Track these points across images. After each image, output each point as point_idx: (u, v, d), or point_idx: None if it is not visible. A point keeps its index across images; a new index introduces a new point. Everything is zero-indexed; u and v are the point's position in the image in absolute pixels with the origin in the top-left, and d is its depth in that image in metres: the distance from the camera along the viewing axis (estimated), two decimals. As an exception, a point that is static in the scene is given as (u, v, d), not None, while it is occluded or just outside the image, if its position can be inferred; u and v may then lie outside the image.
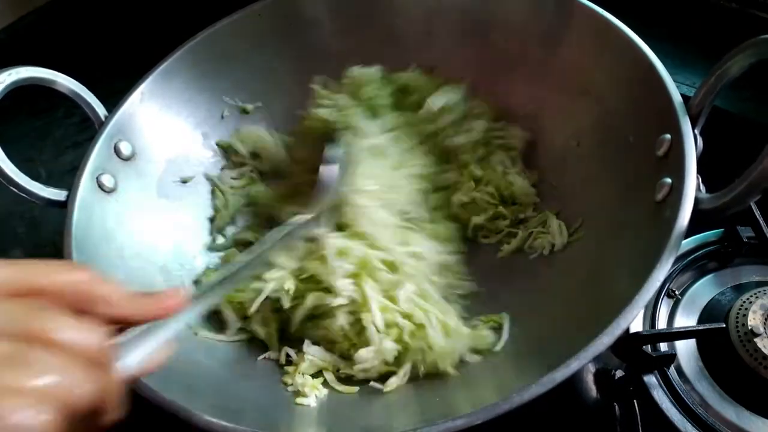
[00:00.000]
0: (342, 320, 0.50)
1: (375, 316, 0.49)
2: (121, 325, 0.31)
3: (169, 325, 0.33)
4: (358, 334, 0.50)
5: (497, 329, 0.52)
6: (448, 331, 0.50)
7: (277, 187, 0.66)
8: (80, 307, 0.28)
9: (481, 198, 0.61)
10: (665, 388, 0.48)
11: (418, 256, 0.55)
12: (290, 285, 0.51)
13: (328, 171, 0.57)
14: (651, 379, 0.49)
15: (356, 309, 0.50)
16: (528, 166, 0.63)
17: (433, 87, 0.64)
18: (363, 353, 0.49)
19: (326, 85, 0.65)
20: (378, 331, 0.49)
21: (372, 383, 0.50)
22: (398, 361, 0.50)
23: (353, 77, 0.63)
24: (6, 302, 0.26)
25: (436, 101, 0.62)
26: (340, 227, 0.55)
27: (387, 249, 0.53)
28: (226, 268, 0.44)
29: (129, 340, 0.31)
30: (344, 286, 0.50)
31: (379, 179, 0.57)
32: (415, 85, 0.65)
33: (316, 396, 0.49)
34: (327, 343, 0.52)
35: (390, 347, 0.49)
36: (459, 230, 0.61)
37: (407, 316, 0.50)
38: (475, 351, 0.50)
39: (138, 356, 0.31)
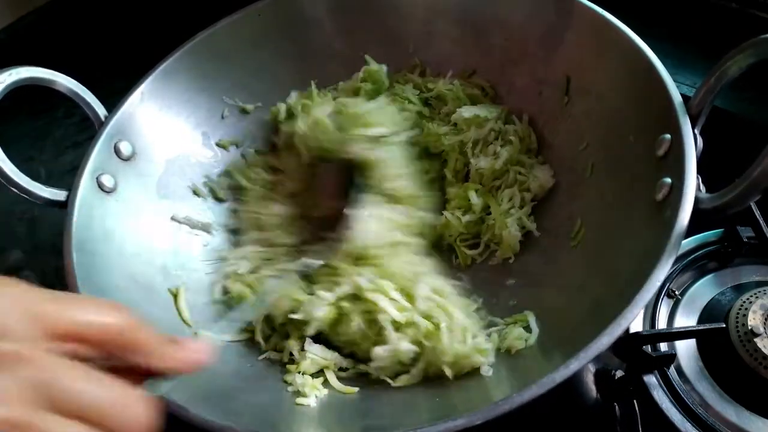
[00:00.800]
0: (357, 323, 0.50)
1: (390, 312, 0.49)
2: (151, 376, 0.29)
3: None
4: (378, 334, 0.50)
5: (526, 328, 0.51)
6: (464, 336, 0.49)
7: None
8: (118, 355, 0.27)
9: (457, 224, 0.59)
10: (665, 388, 0.48)
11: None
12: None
13: (354, 216, 0.56)
14: (651, 379, 0.49)
15: (370, 309, 0.50)
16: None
17: (469, 100, 0.64)
18: (379, 351, 0.49)
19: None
20: (395, 328, 0.49)
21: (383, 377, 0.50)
22: (413, 361, 0.49)
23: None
24: (36, 350, 0.23)
25: (466, 112, 0.62)
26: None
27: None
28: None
29: None
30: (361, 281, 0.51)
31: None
32: (450, 95, 0.65)
33: (316, 396, 0.49)
34: (349, 345, 0.52)
35: (406, 348, 0.48)
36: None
37: (426, 316, 0.50)
38: (510, 350, 0.49)
39: None
